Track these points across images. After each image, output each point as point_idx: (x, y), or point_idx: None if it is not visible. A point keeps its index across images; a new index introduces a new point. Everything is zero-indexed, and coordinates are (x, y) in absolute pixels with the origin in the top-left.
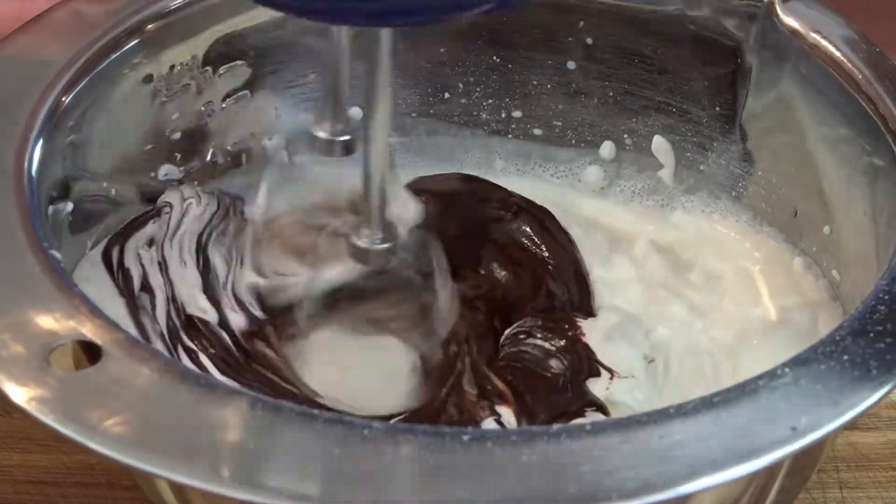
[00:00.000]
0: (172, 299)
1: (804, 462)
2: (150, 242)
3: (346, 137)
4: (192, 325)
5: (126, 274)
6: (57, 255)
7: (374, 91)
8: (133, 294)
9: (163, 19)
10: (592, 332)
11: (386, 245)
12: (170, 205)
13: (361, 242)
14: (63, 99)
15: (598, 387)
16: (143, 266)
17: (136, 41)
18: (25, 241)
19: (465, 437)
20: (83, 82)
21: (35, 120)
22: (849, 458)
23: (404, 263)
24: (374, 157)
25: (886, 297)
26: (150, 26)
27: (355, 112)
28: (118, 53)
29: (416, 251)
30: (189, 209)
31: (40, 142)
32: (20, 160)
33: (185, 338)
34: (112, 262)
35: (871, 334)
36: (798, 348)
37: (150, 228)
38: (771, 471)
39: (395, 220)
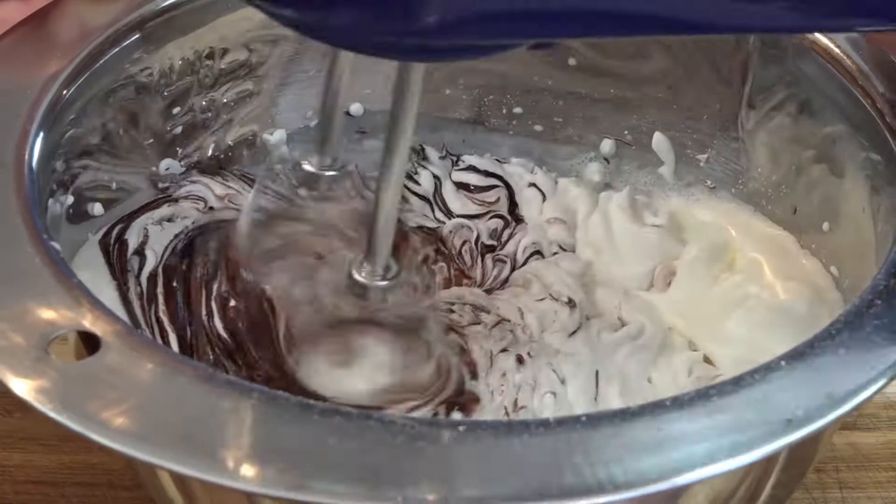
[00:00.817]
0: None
1: (801, 456)
2: (169, 219)
3: (333, 173)
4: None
5: (123, 244)
6: (56, 246)
7: (397, 128)
8: (125, 264)
9: (165, 14)
10: None
11: (386, 282)
12: (203, 200)
13: (362, 278)
14: (64, 92)
15: None
16: (147, 236)
17: (136, 36)
18: (25, 231)
19: (461, 428)
20: (84, 76)
21: (36, 113)
22: (849, 458)
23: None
24: (387, 194)
25: (884, 291)
26: (151, 22)
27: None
28: (119, 48)
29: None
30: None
31: (41, 135)
32: (21, 152)
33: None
34: (111, 238)
35: (868, 329)
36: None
37: (166, 210)
38: (767, 464)
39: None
